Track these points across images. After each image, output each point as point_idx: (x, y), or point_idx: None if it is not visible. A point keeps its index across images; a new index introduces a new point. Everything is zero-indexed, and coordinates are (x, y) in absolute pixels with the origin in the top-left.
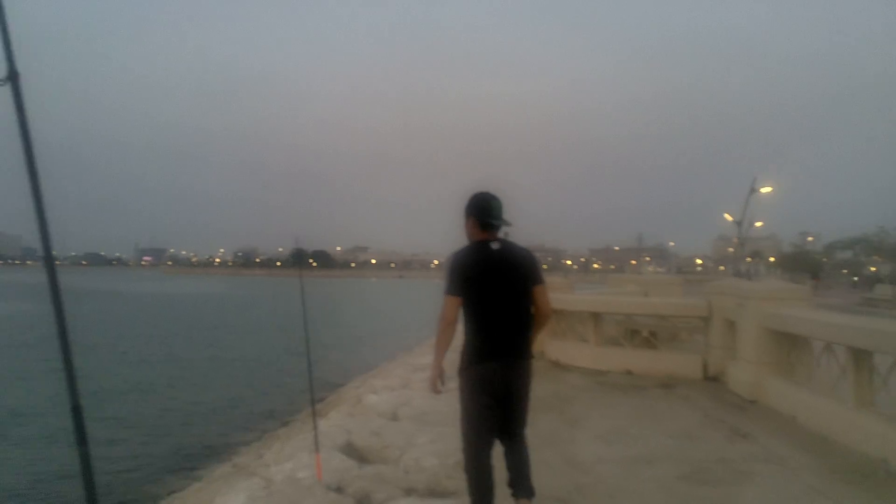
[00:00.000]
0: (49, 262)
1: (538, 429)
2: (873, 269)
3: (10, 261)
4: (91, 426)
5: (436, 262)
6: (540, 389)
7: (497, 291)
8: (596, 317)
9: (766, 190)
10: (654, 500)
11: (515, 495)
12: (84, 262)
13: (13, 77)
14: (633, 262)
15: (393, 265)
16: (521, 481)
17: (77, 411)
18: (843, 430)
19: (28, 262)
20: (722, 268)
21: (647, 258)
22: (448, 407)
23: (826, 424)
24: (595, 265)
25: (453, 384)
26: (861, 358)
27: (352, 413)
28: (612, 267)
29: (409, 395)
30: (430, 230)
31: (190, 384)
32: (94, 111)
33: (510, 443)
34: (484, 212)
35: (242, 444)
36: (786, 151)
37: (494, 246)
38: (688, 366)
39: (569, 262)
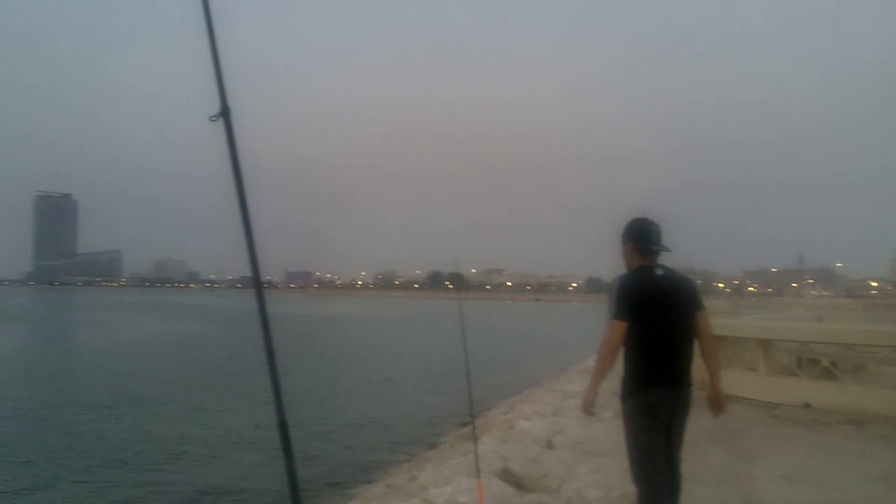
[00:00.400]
0: (258, 288)
1: (707, 463)
2: None
3: (176, 284)
4: (252, 438)
5: (574, 284)
6: (705, 421)
7: (665, 317)
8: (766, 344)
9: None
10: None
11: None
12: (239, 286)
13: (225, 113)
14: (795, 284)
15: (529, 287)
16: None
17: (284, 427)
18: None
19: (191, 285)
20: None
21: (810, 280)
22: (605, 437)
23: None
24: (750, 288)
25: (608, 413)
26: None
27: (505, 439)
28: (770, 290)
29: (563, 422)
30: (566, 252)
31: (338, 403)
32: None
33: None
34: (645, 238)
35: (392, 464)
36: None
37: (659, 272)
38: (882, 401)
39: (721, 286)
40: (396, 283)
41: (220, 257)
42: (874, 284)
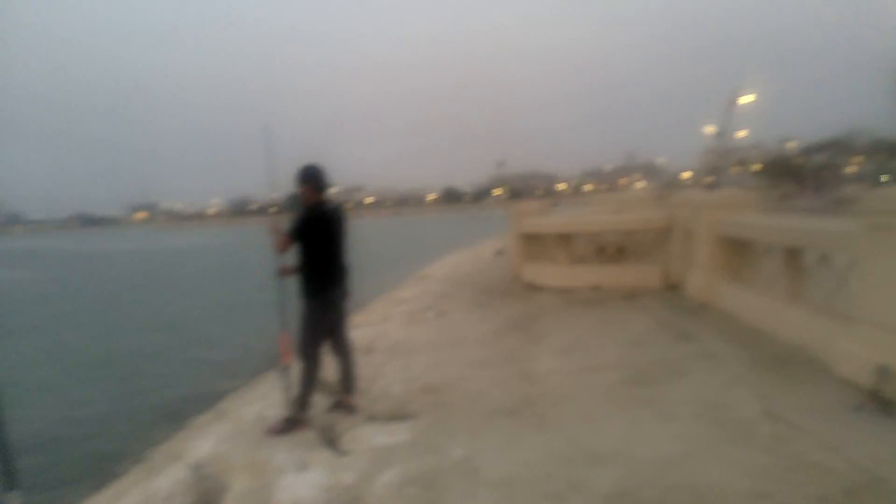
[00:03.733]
0: None
1: (501, 348)
2: (852, 169)
3: None
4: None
5: (431, 196)
6: (511, 310)
7: (333, 240)
8: (566, 238)
9: (747, 99)
10: (593, 403)
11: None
12: (71, 224)
13: None
14: (624, 180)
15: (389, 204)
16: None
17: None
18: (774, 322)
19: (16, 227)
20: (710, 179)
21: (638, 175)
22: (422, 335)
23: (762, 319)
24: (587, 186)
25: (430, 314)
26: (793, 255)
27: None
28: (605, 187)
29: (387, 328)
30: (426, 163)
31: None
32: (68, 55)
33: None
34: (320, 180)
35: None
36: (775, 55)
37: (328, 207)
38: (650, 277)
39: (562, 186)
40: (252, 208)
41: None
42: (687, 175)
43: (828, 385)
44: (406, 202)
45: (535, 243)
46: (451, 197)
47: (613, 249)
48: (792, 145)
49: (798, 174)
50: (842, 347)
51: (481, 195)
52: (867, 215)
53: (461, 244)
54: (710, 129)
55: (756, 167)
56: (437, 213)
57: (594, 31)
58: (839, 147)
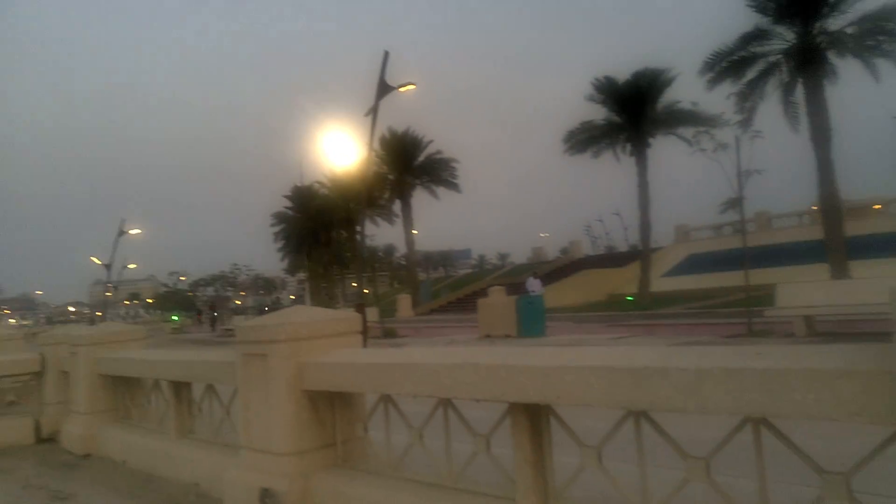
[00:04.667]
0: None
1: None
2: (238, 301)
3: None
4: None
5: None
6: None
7: None
8: None
9: (134, 232)
10: None
11: None
12: None
13: None
14: None
15: None
16: None
17: None
18: (166, 463)
19: None
20: (100, 313)
21: (8, 311)
22: None
23: (151, 462)
24: None
25: None
26: (180, 389)
27: None
28: None
29: None
30: None
31: None
32: None
33: None
34: None
35: None
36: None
37: None
38: (17, 431)
39: None
40: None
41: None
42: (72, 309)
43: None
44: None
45: None
46: None
47: None
48: (183, 279)
49: (191, 306)
50: (230, 478)
51: None
52: (242, 345)
53: None
54: (97, 261)
55: (149, 300)
56: None
57: None
58: (225, 281)
